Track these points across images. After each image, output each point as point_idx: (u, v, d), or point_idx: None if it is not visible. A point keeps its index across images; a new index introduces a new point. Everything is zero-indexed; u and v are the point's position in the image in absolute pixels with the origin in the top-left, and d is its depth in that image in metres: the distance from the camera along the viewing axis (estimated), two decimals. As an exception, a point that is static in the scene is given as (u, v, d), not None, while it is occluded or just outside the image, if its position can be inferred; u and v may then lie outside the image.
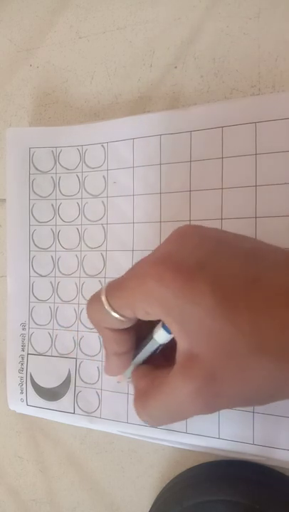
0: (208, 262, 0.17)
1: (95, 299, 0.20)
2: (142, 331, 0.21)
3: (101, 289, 0.20)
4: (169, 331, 0.19)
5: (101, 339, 0.29)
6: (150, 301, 0.18)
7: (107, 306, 0.19)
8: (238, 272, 0.17)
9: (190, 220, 0.26)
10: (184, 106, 0.28)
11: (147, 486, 0.29)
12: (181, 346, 0.17)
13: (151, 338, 0.20)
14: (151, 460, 0.29)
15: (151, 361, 0.22)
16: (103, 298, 0.19)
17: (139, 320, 0.20)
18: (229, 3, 0.26)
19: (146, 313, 0.18)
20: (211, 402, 0.17)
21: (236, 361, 0.16)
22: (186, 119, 0.26)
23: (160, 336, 0.19)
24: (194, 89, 0.27)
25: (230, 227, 0.25)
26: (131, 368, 0.22)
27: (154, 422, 0.19)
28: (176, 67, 0.28)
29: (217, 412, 0.25)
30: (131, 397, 0.28)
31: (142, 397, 0.19)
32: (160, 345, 0.20)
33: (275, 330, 0.15)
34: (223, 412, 0.25)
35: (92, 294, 0.21)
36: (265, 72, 0.25)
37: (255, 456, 0.24)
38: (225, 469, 0.25)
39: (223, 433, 0.25)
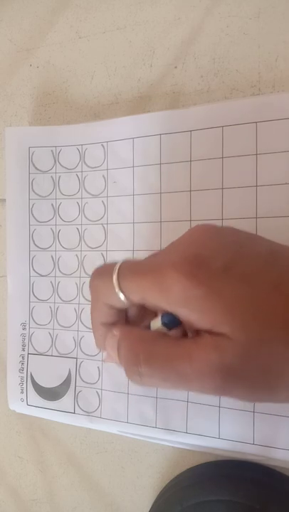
0: (234, 266, 0.17)
1: (104, 273, 0.20)
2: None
3: (115, 265, 0.20)
4: (166, 325, 0.19)
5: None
6: (167, 294, 0.17)
7: (116, 286, 0.19)
8: (262, 273, 0.17)
9: (190, 220, 0.26)
10: (184, 106, 0.28)
11: (147, 486, 0.29)
12: (205, 327, 0.17)
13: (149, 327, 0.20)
14: (151, 460, 0.29)
15: None
16: (114, 277, 0.19)
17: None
18: (229, 3, 0.26)
19: (156, 303, 0.18)
20: (231, 379, 0.17)
21: (271, 349, 0.16)
22: (186, 119, 0.26)
23: (155, 325, 0.20)
24: (194, 89, 0.27)
25: (230, 227, 0.25)
26: None
27: (148, 379, 0.19)
28: (176, 67, 0.28)
29: (217, 412, 0.25)
30: (131, 397, 0.28)
31: (146, 347, 0.19)
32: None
33: None
34: (223, 412, 0.25)
35: (101, 265, 0.21)
36: (265, 72, 0.25)
37: (255, 456, 0.24)
38: (225, 469, 0.25)
39: (223, 433, 0.25)
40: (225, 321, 0.16)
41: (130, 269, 0.19)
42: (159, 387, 0.19)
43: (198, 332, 0.18)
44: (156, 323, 0.20)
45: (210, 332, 0.17)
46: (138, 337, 0.19)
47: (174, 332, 0.19)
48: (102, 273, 0.20)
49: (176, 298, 0.17)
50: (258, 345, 0.16)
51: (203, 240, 0.19)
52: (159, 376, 0.18)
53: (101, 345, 0.22)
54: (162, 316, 0.19)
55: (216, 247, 0.18)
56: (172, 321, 0.19)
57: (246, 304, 0.16)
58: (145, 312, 0.21)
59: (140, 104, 0.29)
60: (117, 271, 0.19)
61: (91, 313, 0.22)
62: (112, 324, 0.21)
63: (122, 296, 0.19)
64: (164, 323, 0.19)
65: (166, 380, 0.18)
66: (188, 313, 0.17)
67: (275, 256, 0.18)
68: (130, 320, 0.22)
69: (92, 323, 0.22)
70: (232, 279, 0.17)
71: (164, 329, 0.19)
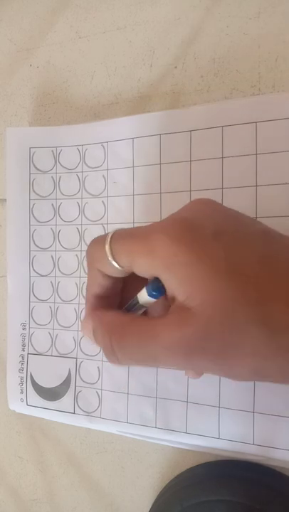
0: (225, 233, 0.17)
1: (99, 240, 0.20)
2: (128, 291, 0.21)
3: (108, 233, 0.20)
4: (154, 295, 0.19)
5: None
6: (151, 256, 0.18)
7: (108, 251, 0.19)
8: (252, 248, 0.17)
9: (190, 220, 0.26)
10: (184, 106, 0.28)
11: (147, 486, 0.29)
12: (179, 299, 0.17)
13: (135, 300, 0.20)
14: (151, 460, 0.29)
15: None
16: (107, 242, 0.19)
17: (129, 279, 0.20)
18: (229, 3, 0.26)
19: (141, 268, 0.18)
20: (194, 354, 0.17)
21: (234, 325, 0.16)
22: (186, 119, 0.26)
23: (143, 298, 0.20)
24: (194, 89, 0.27)
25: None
26: None
27: (123, 358, 0.19)
28: (176, 67, 0.28)
29: (217, 412, 0.25)
30: (131, 397, 0.28)
31: (117, 330, 0.19)
32: (143, 307, 0.20)
33: (280, 304, 0.16)
34: (223, 412, 0.25)
35: (96, 237, 0.21)
36: (265, 72, 0.25)
37: (255, 456, 0.24)
38: (225, 469, 0.25)
39: (223, 433, 0.25)
40: (197, 294, 0.16)
41: (122, 235, 0.19)
42: (137, 366, 0.19)
43: (170, 306, 0.18)
44: (143, 294, 0.20)
45: (180, 306, 0.17)
46: (111, 322, 0.20)
47: (157, 305, 0.19)
48: (98, 241, 0.20)
49: (160, 261, 0.17)
50: (220, 320, 0.16)
51: (198, 207, 0.19)
52: (133, 358, 0.18)
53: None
54: (148, 284, 0.19)
55: (209, 213, 0.18)
56: (157, 289, 0.19)
57: (223, 277, 0.16)
58: (137, 285, 0.21)
59: (140, 104, 0.29)
60: (110, 237, 0.19)
61: (87, 283, 0.22)
62: (104, 298, 0.21)
63: (113, 262, 0.19)
64: (149, 293, 0.19)
65: (140, 361, 0.18)
66: (169, 279, 0.17)
67: (270, 235, 0.18)
68: (124, 295, 0.22)
69: (86, 294, 0.22)
70: (219, 246, 0.17)
71: (150, 300, 0.19)
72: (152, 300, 0.19)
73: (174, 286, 0.17)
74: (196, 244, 0.17)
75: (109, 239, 0.19)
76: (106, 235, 0.20)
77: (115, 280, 0.21)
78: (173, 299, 0.17)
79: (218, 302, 0.16)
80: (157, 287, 0.18)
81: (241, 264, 0.16)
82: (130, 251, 0.19)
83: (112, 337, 0.19)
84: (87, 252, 0.21)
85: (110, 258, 0.19)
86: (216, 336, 0.16)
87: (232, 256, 0.16)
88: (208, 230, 0.17)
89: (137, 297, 0.20)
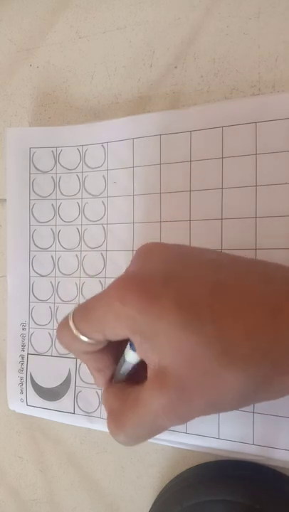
0: (172, 276, 0.17)
1: (63, 324, 0.20)
2: (120, 346, 0.21)
3: (68, 314, 0.20)
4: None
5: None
6: (118, 323, 0.18)
7: (75, 331, 0.19)
8: (201, 281, 0.17)
9: (190, 220, 0.26)
10: (184, 106, 0.28)
11: (147, 486, 0.29)
12: (151, 362, 0.17)
13: (124, 358, 0.20)
14: (151, 460, 0.29)
15: (129, 377, 0.22)
16: (71, 323, 0.19)
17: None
18: (229, 3, 0.26)
19: (115, 334, 0.18)
20: (183, 412, 0.17)
21: (204, 369, 0.16)
22: (186, 119, 0.26)
23: (130, 356, 0.19)
24: (194, 89, 0.27)
25: (230, 227, 0.25)
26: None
27: (131, 441, 0.19)
28: (176, 67, 0.28)
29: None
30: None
31: (116, 418, 0.19)
32: (133, 364, 0.20)
33: (240, 336, 0.16)
34: (222, 411, 0.25)
35: (60, 321, 0.21)
36: (265, 72, 0.25)
37: (255, 456, 0.24)
38: (225, 469, 0.25)
39: (223, 433, 0.25)
40: (166, 351, 0.16)
41: (83, 312, 0.19)
42: (148, 439, 0.20)
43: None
44: (128, 351, 0.20)
45: (156, 368, 0.17)
46: (111, 410, 0.20)
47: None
48: (62, 326, 0.20)
49: (126, 327, 0.17)
50: (190, 372, 0.16)
51: (145, 256, 0.19)
52: (139, 434, 0.19)
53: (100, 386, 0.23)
54: (130, 343, 0.19)
55: (157, 258, 0.18)
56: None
57: (182, 326, 0.16)
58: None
59: (140, 104, 0.29)
60: (71, 318, 0.20)
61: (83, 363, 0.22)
62: (105, 367, 0.21)
63: (85, 339, 0.19)
64: (132, 348, 0.19)
65: (147, 435, 0.19)
66: (138, 343, 0.17)
67: (218, 263, 0.18)
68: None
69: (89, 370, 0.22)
70: (170, 294, 0.16)
71: (136, 355, 0.19)
72: (138, 357, 0.19)
73: (144, 348, 0.17)
74: (149, 301, 0.16)
75: (71, 320, 0.19)
76: (67, 317, 0.20)
77: (102, 349, 0.21)
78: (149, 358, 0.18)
79: (185, 354, 0.16)
80: None
81: (195, 305, 0.16)
82: (97, 324, 0.19)
83: (113, 426, 0.19)
84: (59, 340, 0.21)
85: (83, 338, 0.19)
86: (193, 387, 0.16)
87: (184, 299, 0.16)
88: (158, 279, 0.17)
89: (124, 355, 0.20)
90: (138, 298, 0.17)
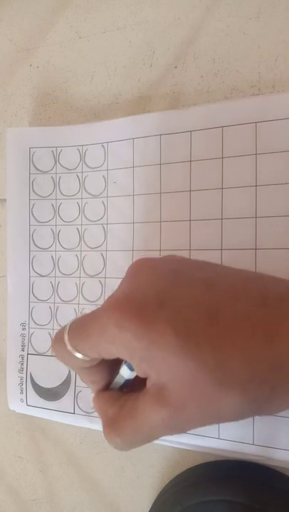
0: (166, 298, 0.17)
1: (58, 338, 0.20)
2: (116, 359, 0.21)
3: (64, 328, 0.20)
4: (131, 369, 0.19)
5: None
6: (113, 346, 0.18)
7: (70, 348, 0.19)
8: (197, 305, 0.17)
9: (190, 220, 0.26)
10: (184, 106, 0.28)
11: (147, 486, 0.29)
12: (151, 378, 0.17)
13: (118, 373, 0.20)
14: (151, 460, 0.29)
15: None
16: (66, 339, 0.19)
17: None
18: (229, 3, 0.26)
19: (110, 355, 0.18)
20: (182, 426, 0.17)
21: (204, 393, 0.16)
22: (186, 119, 0.26)
23: (126, 373, 0.20)
24: (194, 89, 0.27)
25: (230, 227, 0.25)
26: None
27: (126, 447, 0.19)
28: (176, 67, 0.28)
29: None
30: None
31: (112, 424, 0.19)
32: (130, 380, 0.20)
33: (238, 364, 0.16)
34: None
35: (55, 334, 0.21)
36: (265, 72, 0.25)
37: (255, 456, 0.24)
38: (225, 469, 0.25)
39: (223, 433, 0.25)
40: (164, 372, 0.17)
41: (79, 329, 0.19)
42: (142, 445, 0.20)
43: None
44: (124, 369, 0.20)
45: (155, 384, 0.17)
46: (106, 417, 0.20)
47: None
48: (57, 339, 0.20)
49: (122, 349, 0.17)
50: (190, 392, 0.16)
51: (137, 275, 0.19)
52: (134, 440, 0.19)
53: None
54: (126, 363, 0.19)
55: (149, 278, 0.18)
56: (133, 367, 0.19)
57: (180, 349, 0.16)
58: None
59: (140, 104, 0.29)
60: (67, 333, 0.20)
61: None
62: (101, 380, 0.21)
63: (79, 356, 0.19)
64: (129, 367, 0.19)
65: (140, 443, 0.19)
66: (136, 363, 0.18)
67: (213, 282, 0.18)
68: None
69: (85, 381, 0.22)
70: (166, 317, 0.17)
71: (132, 373, 0.20)
72: (135, 373, 0.19)
73: (143, 368, 0.17)
74: (144, 326, 0.17)
75: (66, 336, 0.19)
76: (63, 331, 0.20)
77: (98, 363, 0.21)
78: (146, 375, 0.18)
79: (184, 378, 0.16)
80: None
81: (192, 330, 0.16)
82: (91, 344, 0.19)
83: (111, 432, 0.19)
84: (55, 354, 0.21)
85: (78, 355, 0.19)
86: (192, 407, 0.16)
87: (180, 323, 0.16)
88: (151, 301, 0.17)
89: (120, 373, 0.20)
90: (133, 322, 0.17)
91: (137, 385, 0.20)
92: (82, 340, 0.19)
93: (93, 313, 0.19)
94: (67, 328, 0.20)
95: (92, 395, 0.22)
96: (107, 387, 0.21)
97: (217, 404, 0.16)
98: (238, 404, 0.16)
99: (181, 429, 0.17)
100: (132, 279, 0.19)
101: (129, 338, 0.17)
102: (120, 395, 0.20)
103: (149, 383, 0.18)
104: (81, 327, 0.19)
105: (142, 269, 0.19)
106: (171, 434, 0.18)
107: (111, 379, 0.21)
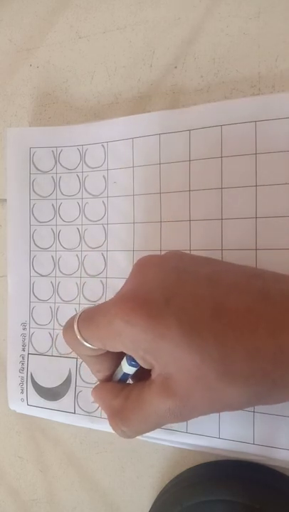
0: (172, 295, 0.18)
1: (69, 325, 0.21)
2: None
3: (74, 317, 0.21)
4: (133, 365, 0.20)
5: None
6: (119, 340, 0.18)
7: (79, 337, 0.20)
8: (201, 300, 0.18)
9: (190, 220, 0.26)
10: (184, 106, 0.28)
11: (147, 486, 0.29)
12: (155, 370, 0.18)
13: (121, 368, 0.21)
14: (151, 460, 0.29)
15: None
16: (75, 328, 0.20)
17: None
18: (229, 3, 0.26)
19: (115, 348, 0.19)
20: (188, 414, 0.18)
21: (208, 385, 0.17)
22: (185, 118, 0.26)
23: (127, 368, 0.20)
24: (194, 89, 0.27)
25: (230, 227, 0.25)
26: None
27: (134, 435, 0.20)
28: (176, 67, 0.28)
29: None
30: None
31: (119, 414, 0.20)
32: (130, 374, 0.21)
33: (241, 357, 0.16)
34: (224, 412, 0.25)
35: (67, 320, 0.22)
36: (265, 72, 0.25)
37: (256, 456, 0.24)
38: (225, 469, 0.25)
39: (223, 433, 0.25)
40: (170, 364, 0.17)
41: (88, 320, 0.20)
42: (148, 432, 0.21)
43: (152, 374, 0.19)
44: (124, 364, 0.20)
45: (161, 374, 0.18)
46: (111, 406, 0.21)
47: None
48: (68, 327, 0.21)
49: (129, 343, 0.18)
50: (195, 384, 0.17)
51: (143, 272, 0.20)
52: (140, 431, 0.20)
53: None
54: (127, 356, 0.20)
55: (155, 275, 0.19)
56: (135, 360, 0.20)
57: (185, 343, 0.17)
58: None
59: (140, 104, 0.29)
60: (76, 322, 0.20)
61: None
62: (107, 369, 0.22)
63: (87, 345, 0.20)
64: (129, 363, 0.20)
65: (146, 431, 0.20)
66: (142, 356, 0.18)
67: (216, 277, 0.19)
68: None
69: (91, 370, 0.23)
70: (172, 313, 0.17)
71: (132, 368, 0.20)
72: (134, 368, 0.20)
73: (148, 360, 0.18)
74: (152, 320, 0.17)
75: (76, 326, 0.20)
76: (73, 320, 0.21)
77: (105, 352, 0.21)
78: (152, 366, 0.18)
79: (190, 371, 0.17)
80: (134, 359, 0.19)
81: (197, 325, 0.17)
82: (98, 336, 0.19)
83: (118, 422, 0.20)
84: (65, 340, 0.22)
85: (86, 344, 0.20)
86: (197, 397, 0.17)
87: (185, 318, 0.17)
88: (158, 297, 0.18)
89: (121, 366, 0.21)
90: (140, 317, 0.17)
91: (139, 375, 0.21)
92: (90, 330, 0.20)
93: (102, 305, 0.20)
94: (77, 317, 0.21)
95: (92, 387, 0.23)
96: (110, 378, 0.22)
97: (221, 395, 0.17)
98: (240, 396, 0.17)
99: (186, 417, 0.18)
100: (139, 276, 0.20)
101: (136, 331, 0.17)
102: (123, 386, 0.21)
103: (154, 374, 0.18)
104: (90, 318, 0.20)
105: (147, 266, 0.20)
106: (177, 422, 0.19)
107: (116, 370, 0.22)
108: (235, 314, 0.17)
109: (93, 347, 0.20)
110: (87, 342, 0.20)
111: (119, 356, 0.21)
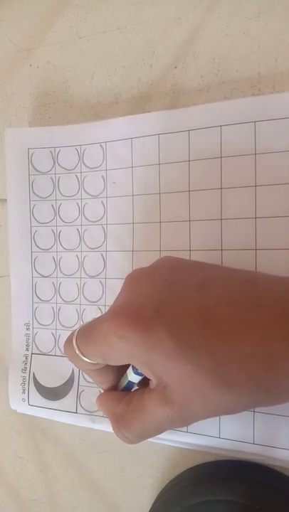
0: (163, 307, 0.18)
1: (69, 341, 0.21)
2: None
3: (74, 332, 0.21)
4: (139, 373, 0.20)
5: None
6: (116, 354, 0.19)
7: (78, 352, 0.20)
8: (192, 311, 0.18)
9: (189, 220, 0.26)
10: (183, 106, 0.28)
11: (147, 486, 0.29)
12: (154, 380, 0.18)
13: (126, 377, 0.21)
14: (152, 460, 0.29)
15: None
16: (74, 344, 0.21)
17: None
18: (229, 3, 0.26)
19: (114, 361, 0.20)
20: (186, 420, 0.18)
21: (204, 393, 0.17)
22: (184, 118, 0.26)
23: (132, 377, 0.21)
24: (194, 89, 0.27)
25: (230, 227, 0.25)
26: None
27: (135, 441, 0.21)
28: (176, 67, 0.28)
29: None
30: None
31: (121, 420, 0.20)
32: (135, 383, 0.21)
33: (234, 366, 0.17)
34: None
35: (68, 336, 0.22)
36: (265, 72, 0.25)
37: (256, 456, 0.25)
38: (225, 469, 0.26)
39: (223, 432, 0.25)
40: (165, 375, 0.18)
41: (85, 335, 0.20)
42: (150, 437, 0.22)
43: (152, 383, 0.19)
44: (130, 372, 0.21)
45: (159, 384, 0.18)
46: (114, 413, 0.21)
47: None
48: (67, 342, 0.21)
49: (125, 356, 0.19)
50: (191, 393, 0.17)
51: (134, 285, 0.20)
52: (143, 437, 0.20)
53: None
54: (132, 366, 0.21)
55: (144, 292, 0.19)
56: (139, 372, 0.20)
57: (178, 355, 0.17)
58: None
59: (140, 104, 0.29)
60: (75, 339, 0.21)
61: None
62: (109, 381, 0.22)
63: (87, 360, 0.20)
64: (134, 371, 0.20)
65: (148, 436, 0.20)
66: (139, 367, 0.19)
67: (207, 285, 0.19)
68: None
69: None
70: (162, 324, 0.18)
71: (137, 377, 0.21)
72: (140, 377, 0.21)
73: (145, 371, 0.18)
74: (143, 334, 0.18)
75: (75, 342, 0.21)
76: (72, 335, 0.21)
77: (106, 366, 0.22)
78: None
79: (184, 381, 0.17)
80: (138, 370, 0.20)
81: (188, 335, 0.17)
82: (97, 351, 0.20)
83: (121, 428, 0.20)
84: (66, 356, 0.22)
85: (85, 359, 0.20)
86: (195, 405, 0.17)
87: (176, 328, 0.17)
88: (149, 310, 0.18)
89: (126, 374, 0.21)
90: (132, 331, 0.18)
91: (144, 381, 0.21)
92: (88, 346, 0.20)
93: (97, 321, 0.20)
94: (76, 332, 0.21)
95: (96, 395, 0.23)
96: (115, 387, 0.22)
97: (217, 403, 0.17)
98: (236, 403, 0.17)
99: (186, 422, 0.19)
100: (130, 290, 0.20)
101: (130, 345, 0.18)
102: (125, 393, 0.21)
103: (152, 384, 0.19)
104: (87, 334, 0.20)
105: (138, 280, 0.20)
106: (177, 427, 0.19)
107: (119, 379, 0.22)
108: (227, 323, 0.17)
109: (93, 361, 0.20)
110: (86, 357, 0.20)
111: (121, 368, 0.22)
